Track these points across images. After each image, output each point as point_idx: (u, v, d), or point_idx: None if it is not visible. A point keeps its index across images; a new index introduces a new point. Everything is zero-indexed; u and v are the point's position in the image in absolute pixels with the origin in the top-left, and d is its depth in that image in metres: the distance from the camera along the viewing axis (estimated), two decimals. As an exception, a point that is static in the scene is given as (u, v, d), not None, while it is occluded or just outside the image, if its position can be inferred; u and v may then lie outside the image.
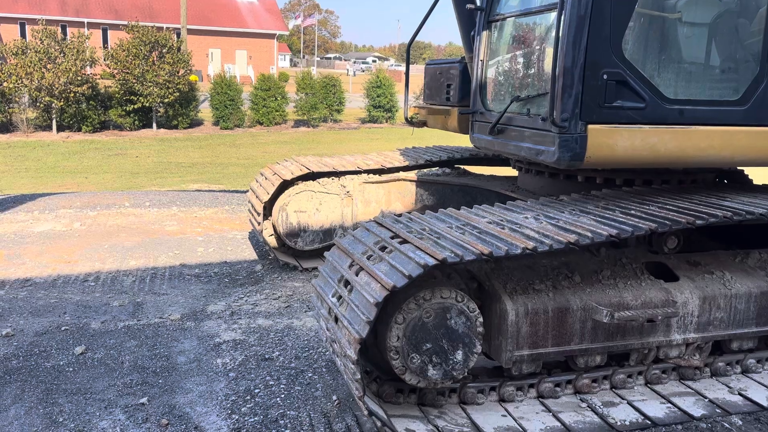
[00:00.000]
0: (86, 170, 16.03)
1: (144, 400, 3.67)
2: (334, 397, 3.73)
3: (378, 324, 3.27)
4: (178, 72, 23.69)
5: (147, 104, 23.13)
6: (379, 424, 3.11)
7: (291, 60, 65.14)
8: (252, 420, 3.48)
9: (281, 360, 4.22)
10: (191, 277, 5.89)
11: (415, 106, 6.28)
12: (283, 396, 3.75)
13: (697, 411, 3.57)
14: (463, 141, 5.62)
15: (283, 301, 5.28)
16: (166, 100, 23.45)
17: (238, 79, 27.51)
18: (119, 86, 22.97)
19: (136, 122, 23.65)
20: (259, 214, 5.89)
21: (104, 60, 23.40)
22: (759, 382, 3.89)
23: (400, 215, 3.85)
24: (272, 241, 6.11)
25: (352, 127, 26.89)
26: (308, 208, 5.99)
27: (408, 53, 6.01)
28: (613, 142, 3.47)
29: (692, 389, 3.80)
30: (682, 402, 3.65)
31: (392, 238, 3.41)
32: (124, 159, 18.10)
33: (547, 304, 3.47)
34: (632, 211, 3.63)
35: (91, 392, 3.75)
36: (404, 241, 3.33)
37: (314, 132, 25.50)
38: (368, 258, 3.34)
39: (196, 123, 25.53)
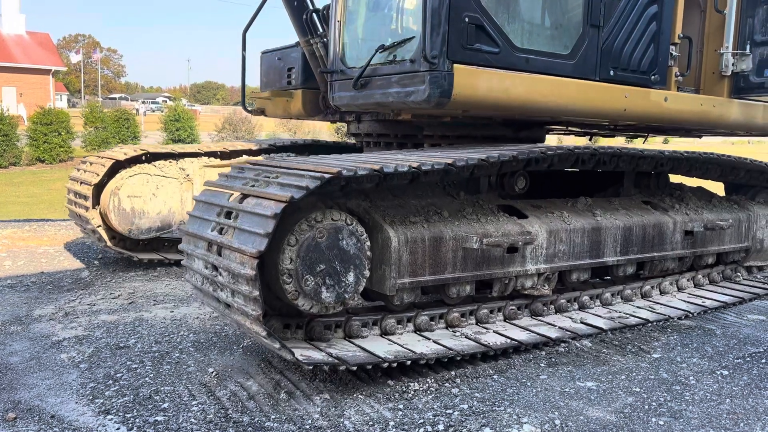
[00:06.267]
0: None
1: (-22, 394, 3.05)
2: (211, 369, 3.47)
3: (264, 256, 3.14)
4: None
5: None
6: (277, 345, 2.95)
7: (69, 100, 59.69)
8: (121, 401, 3.09)
9: (139, 346, 3.81)
10: (3, 287, 5.08)
11: (253, 94, 6.21)
12: (151, 375, 3.39)
13: (552, 335, 3.94)
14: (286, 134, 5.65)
15: (125, 299, 4.78)
16: None
17: (7, 117, 24.51)
18: None
19: None
20: (87, 198, 5.31)
21: None
22: (593, 314, 4.42)
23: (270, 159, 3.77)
24: (102, 232, 5.52)
25: (150, 163, 25.37)
26: (143, 193, 5.55)
27: (243, 39, 5.92)
28: (476, 82, 3.80)
29: (543, 321, 4.19)
30: (538, 329, 4.01)
31: (275, 167, 3.34)
32: None
33: (424, 234, 3.62)
34: (490, 150, 3.98)
35: None
36: (290, 167, 3.28)
37: (107, 168, 23.53)
38: (252, 186, 3.23)
39: (-40, 160, 22.19)
